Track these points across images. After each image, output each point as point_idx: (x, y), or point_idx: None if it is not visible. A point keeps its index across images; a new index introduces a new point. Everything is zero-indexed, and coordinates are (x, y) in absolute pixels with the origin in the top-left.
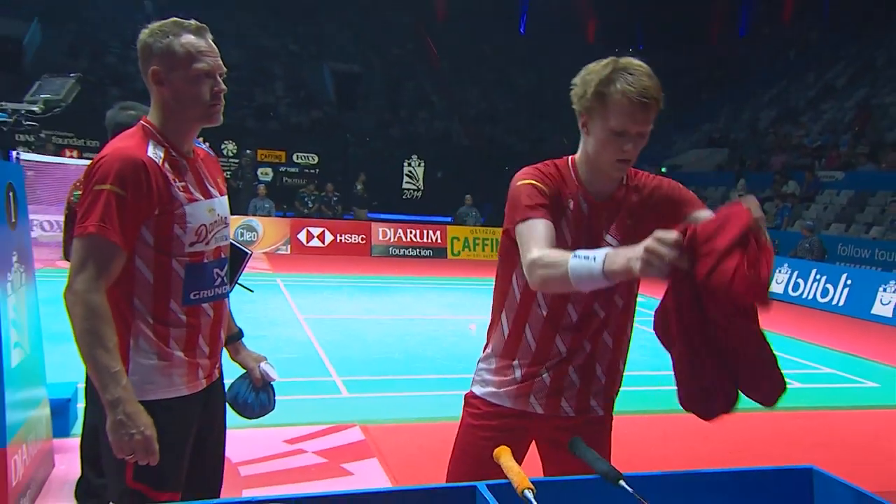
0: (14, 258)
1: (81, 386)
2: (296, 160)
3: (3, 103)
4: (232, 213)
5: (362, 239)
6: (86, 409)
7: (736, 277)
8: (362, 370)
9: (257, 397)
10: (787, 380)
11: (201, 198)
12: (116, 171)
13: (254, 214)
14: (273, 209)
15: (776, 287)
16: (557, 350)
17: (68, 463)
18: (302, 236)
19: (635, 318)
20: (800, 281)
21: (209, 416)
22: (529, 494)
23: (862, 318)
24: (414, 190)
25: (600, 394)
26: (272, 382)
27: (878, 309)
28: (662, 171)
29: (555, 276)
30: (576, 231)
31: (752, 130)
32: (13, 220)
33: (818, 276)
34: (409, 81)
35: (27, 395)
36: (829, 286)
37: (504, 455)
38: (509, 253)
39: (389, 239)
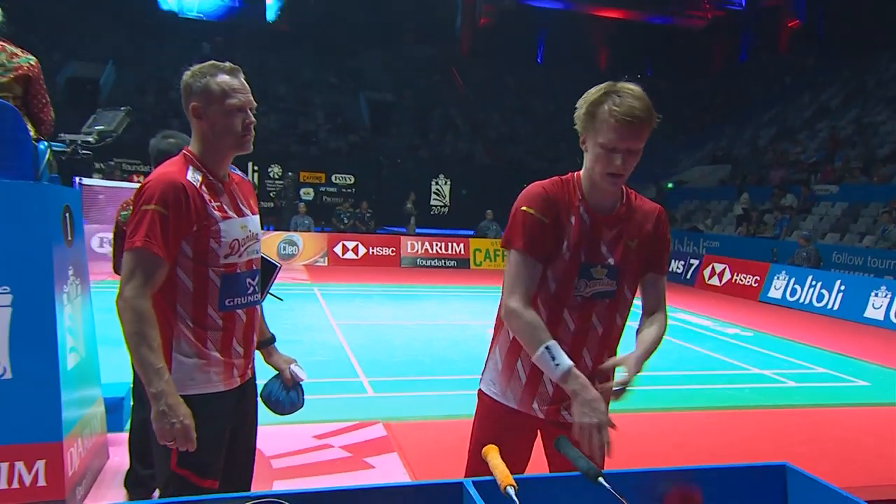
0: (70, 272)
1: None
2: (334, 181)
3: (62, 135)
4: (276, 229)
5: (392, 251)
6: (133, 407)
7: None
8: (388, 372)
9: (288, 395)
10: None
11: (234, 216)
12: (160, 193)
13: (295, 230)
14: (312, 225)
15: (775, 293)
16: None
17: (121, 455)
18: (338, 249)
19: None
20: (797, 287)
21: (242, 413)
22: (511, 491)
23: (855, 320)
24: (441, 206)
25: None
26: (301, 382)
27: (870, 312)
28: (669, 187)
29: (523, 340)
30: (576, 244)
31: (753, 148)
32: (69, 238)
33: (814, 283)
34: (436, 108)
35: (82, 394)
36: (825, 291)
37: (491, 453)
38: None
39: (417, 251)
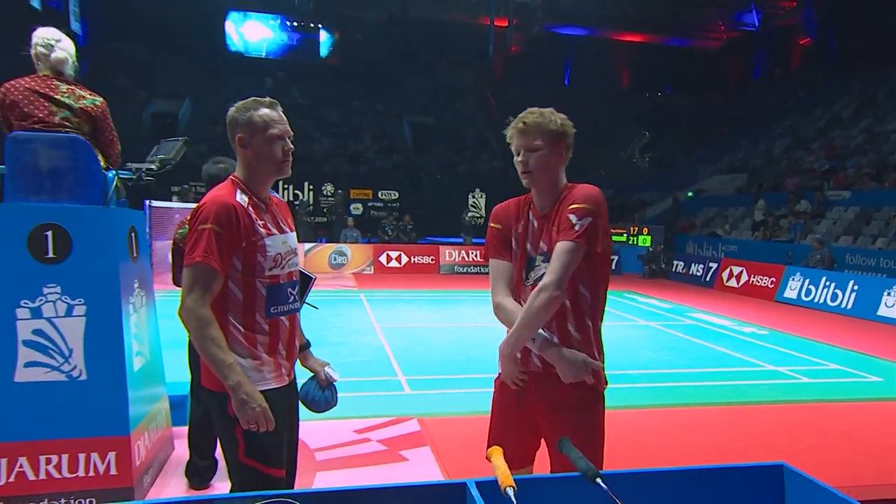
0: (136, 285)
1: None
2: (381, 196)
3: (129, 164)
4: (327, 241)
5: (432, 259)
6: (190, 405)
7: None
8: (424, 371)
9: (323, 395)
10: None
11: (277, 233)
12: (215, 214)
13: (344, 242)
14: (359, 237)
15: (791, 293)
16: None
17: (185, 447)
18: (383, 259)
19: (659, 323)
20: (811, 287)
21: (290, 409)
22: (511, 492)
23: (869, 318)
24: (477, 217)
25: None
26: (334, 382)
27: (883, 311)
28: (689, 195)
29: (510, 325)
30: (522, 242)
31: (768, 158)
32: (135, 255)
33: (828, 283)
34: (472, 129)
35: (147, 392)
36: (838, 291)
37: (495, 455)
38: None
39: (455, 259)
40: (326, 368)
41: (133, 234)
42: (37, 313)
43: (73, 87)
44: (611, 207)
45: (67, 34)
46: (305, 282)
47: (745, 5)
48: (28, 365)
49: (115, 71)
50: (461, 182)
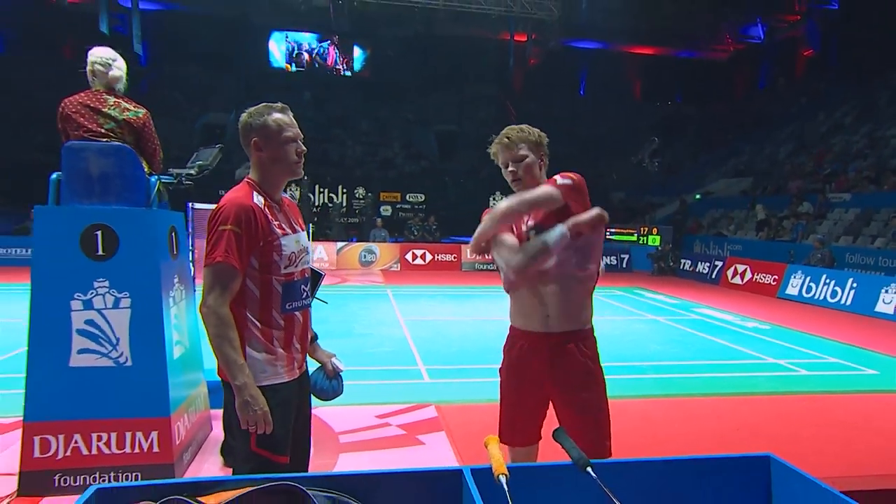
0: (175, 280)
1: None
2: (408, 199)
3: (171, 169)
4: (358, 240)
5: (454, 257)
6: (224, 390)
7: None
8: (443, 361)
9: (330, 384)
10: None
11: (290, 232)
12: (234, 215)
13: (373, 241)
14: (387, 236)
15: (792, 290)
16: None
17: (221, 428)
18: (409, 256)
19: (666, 318)
20: (812, 285)
21: (301, 398)
22: (503, 479)
23: (866, 314)
24: None
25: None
26: (341, 372)
27: (880, 307)
28: (697, 198)
29: (513, 254)
30: (518, 231)
31: (772, 162)
32: (175, 252)
33: (828, 281)
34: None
35: (187, 378)
36: (838, 288)
37: (491, 443)
38: None
39: (476, 256)
40: (333, 359)
41: (173, 234)
42: (88, 305)
43: (119, 101)
44: (622, 209)
45: (130, 55)
46: (315, 278)
47: (751, 19)
48: (81, 352)
49: (171, 88)
50: (483, 186)
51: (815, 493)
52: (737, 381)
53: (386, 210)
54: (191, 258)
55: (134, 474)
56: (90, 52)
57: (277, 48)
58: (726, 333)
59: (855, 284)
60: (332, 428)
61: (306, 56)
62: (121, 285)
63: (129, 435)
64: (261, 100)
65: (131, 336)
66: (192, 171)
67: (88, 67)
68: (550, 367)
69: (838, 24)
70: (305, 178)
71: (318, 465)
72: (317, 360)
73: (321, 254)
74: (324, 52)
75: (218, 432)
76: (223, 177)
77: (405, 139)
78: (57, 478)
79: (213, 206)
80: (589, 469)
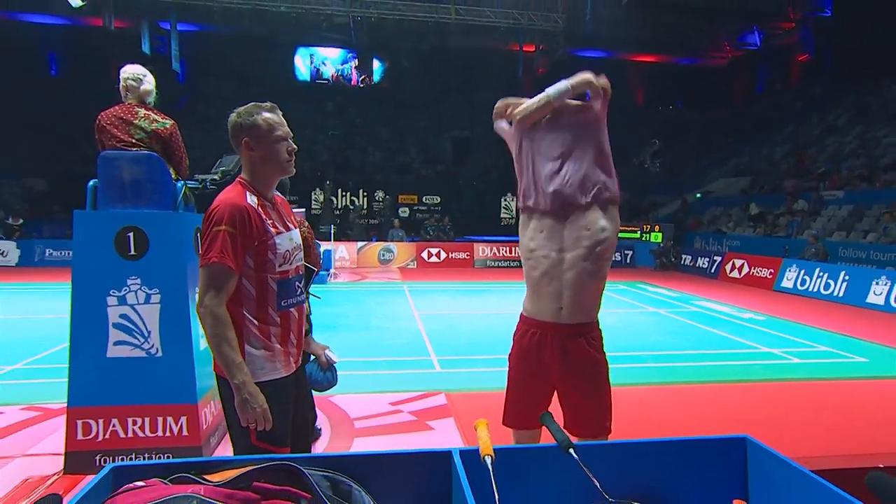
0: None
1: None
2: (425, 201)
3: (196, 175)
4: (377, 240)
5: (467, 255)
6: None
7: None
8: (453, 351)
9: (325, 375)
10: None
11: (284, 230)
12: (228, 216)
13: (391, 240)
14: (405, 236)
15: (787, 283)
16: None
17: None
18: (424, 255)
19: (666, 310)
20: (806, 278)
21: (298, 390)
22: (488, 460)
23: (858, 305)
24: (509, 218)
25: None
26: (334, 364)
27: (871, 298)
28: (697, 197)
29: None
30: None
31: (769, 162)
32: (200, 252)
33: (821, 274)
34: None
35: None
36: (831, 281)
37: (480, 427)
38: None
39: (487, 254)
40: (327, 352)
41: (198, 235)
42: (122, 301)
43: (149, 113)
44: (626, 208)
45: (169, 73)
46: (309, 274)
47: (748, 27)
48: (117, 343)
49: (205, 103)
50: (494, 188)
51: (788, 471)
52: (732, 370)
53: (404, 212)
54: None
55: (165, 455)
56: (122, 70)
57: (302, 63)
58: (724, 324)
59: (847, 277)
60: (348, 414)
61: (331, 71)
62: (151, 282)
63: (160, 420)
64: (287, 111)
65: (161, 329)
66: (216, 177)
67: (122, 83)
68: (560, 358)
69: (831, 30)
70: (328, 182)
71: (333, 448)
72: (311, 352)
73: (343, 253)
74: (347, 73)
75: None
76: None
77: (421, 145)
78: (98, 458)
79: None
80: (571, 450)
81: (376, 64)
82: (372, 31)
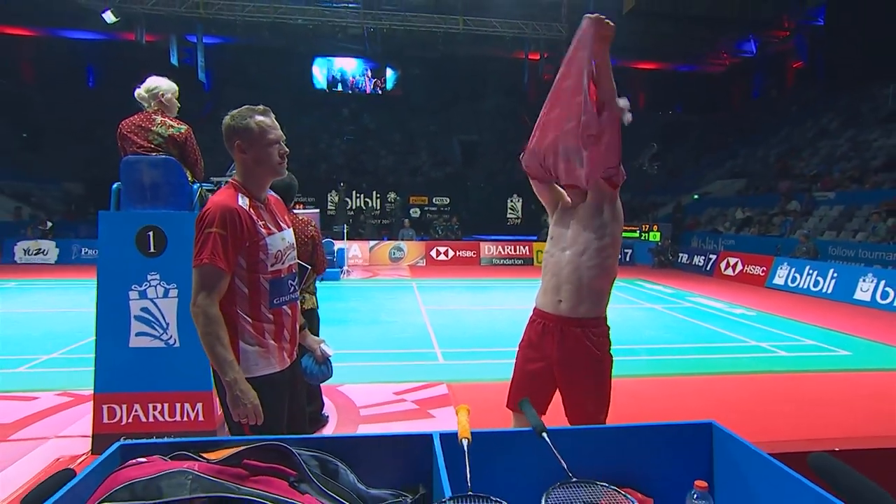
0: None
1: None
2: (434, 202)
3: (212, 178)
4: (388, 239)
5: (474, 253)
6: None
7: None
8: (457, 344)
9: (320, 368)
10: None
11: (276, 231)
12: (219, 218)
13: (402, 239)
14: (414, 235)
15: (779, 280)
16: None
17: None
18: (433, 253)
19: (662, 306)
20: (797, 275)
21: (293, 384)
22: (465, 443)
23: (845, 301)
24: (514, 218)
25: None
26: (329, 357)
27: (858, 294)
28: (695, 198)
29: None
30: None
31: (764, 164)
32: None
33: (811, 271)
34: (511, 145)
35: None
36: (820, 278)
37: (461, 411)
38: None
39: (493, 253)
40: (322, 345)
41: None
42: (143, 295)
43: (165, 119)
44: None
45: (195, 83)
46: (302, 272)
47: (745, 35)
48: (138, 334)
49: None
50: (501, 189)
51: (748, 454)
52: (720, 362)
53: (415, 212)
54: None
55: None
56: (147, 80)
57: (319, 72)
58: (715, 319)
59: (836, 275)
60: (354, 402)
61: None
62: (169, 278)
63: (178, 405)
64: (304, 117)
65: (178, 321)
66: (229, 179)
67: (144, 94)
68: (559, 349)
69: (824, 39)
70: (342, 184)
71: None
72: (307, 346)
73: (356, 251)
74: (362, 83)
75: None
76: None
77: (432, 148)
78: (122, 440)
79: None
80: (544, 434)
81: (389, 72)
82: (385, 41)
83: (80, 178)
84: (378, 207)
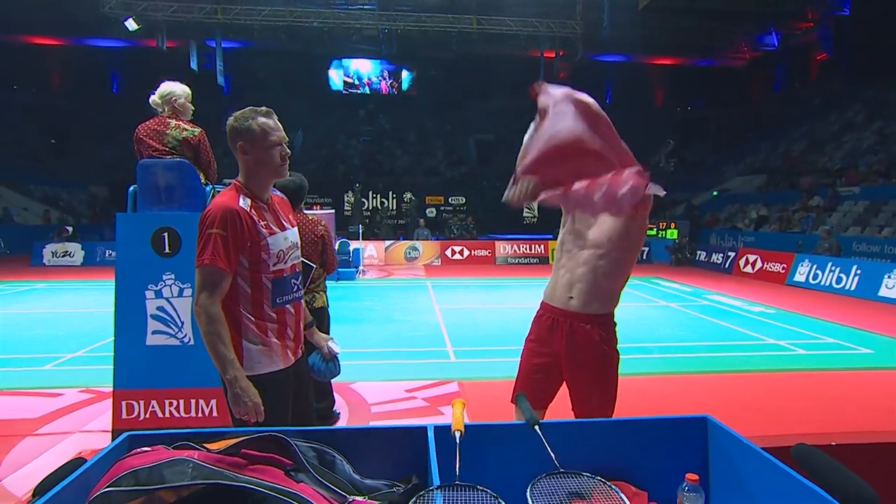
0: None
1: None
2: (450, 202)
3: (225, 179)
4: (404, 239)
5: (489, 252)
6: None
7: None
8: (469, 343)
9: (327, 366)
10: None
11: (278, 231)
12: (220, 219)
13: (417, 239)
14: (430, 235)
15: (800, 277)
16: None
17: None
18: (448, 252)
19: (678, 304)
20: (818, 272)
21: (299, 379)
22: (457, 435)
23: (870, 299)
24: (531, 217)
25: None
26: (336, 354)
27: (883, 291)
28: (714, 195)
29: None
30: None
31: (786, 159)
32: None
33: (833, 268)
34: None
35: None
36: (843, 275)
37: (456, 405)
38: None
39: (508, 252)
40: (329, 343)
41: None
42: (159, 294)
43: (179, 123)
44: None
45: (214, 87)
46: (307, 270)
47: (765, 28)
48: (154, 333)
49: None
50: None
51: (741, 448)
52: (734, 360)
53: (431, 212)
54: None
55: None
56: (161, 85)
57: (336, 74)
58: (732, 317)
59: (859, 271)
60: (366, 399)
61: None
62: (184, 278)
63: (193, 402)
64: (322, 119)
65: (193, 320)
66: (233, 180)
67: (158, 98)
68: (567, 344)
69: (850, 29)
70: (358, 185)
71: None
72: (314, 343)
73: (371, 251)
74: (377, 82)
75: None
76: None
77: (447, 148)
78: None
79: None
80: (536, 428)
81: (404, 73)
82: (400, 42)
83: (105, 182)
84: (394, 208)
